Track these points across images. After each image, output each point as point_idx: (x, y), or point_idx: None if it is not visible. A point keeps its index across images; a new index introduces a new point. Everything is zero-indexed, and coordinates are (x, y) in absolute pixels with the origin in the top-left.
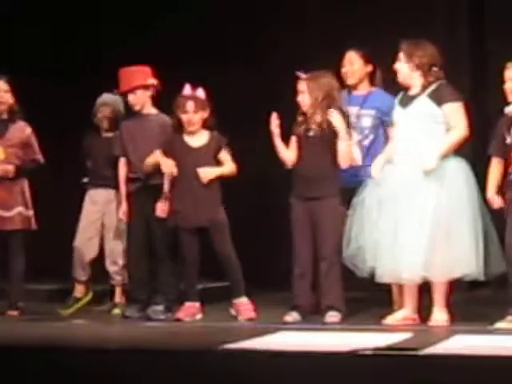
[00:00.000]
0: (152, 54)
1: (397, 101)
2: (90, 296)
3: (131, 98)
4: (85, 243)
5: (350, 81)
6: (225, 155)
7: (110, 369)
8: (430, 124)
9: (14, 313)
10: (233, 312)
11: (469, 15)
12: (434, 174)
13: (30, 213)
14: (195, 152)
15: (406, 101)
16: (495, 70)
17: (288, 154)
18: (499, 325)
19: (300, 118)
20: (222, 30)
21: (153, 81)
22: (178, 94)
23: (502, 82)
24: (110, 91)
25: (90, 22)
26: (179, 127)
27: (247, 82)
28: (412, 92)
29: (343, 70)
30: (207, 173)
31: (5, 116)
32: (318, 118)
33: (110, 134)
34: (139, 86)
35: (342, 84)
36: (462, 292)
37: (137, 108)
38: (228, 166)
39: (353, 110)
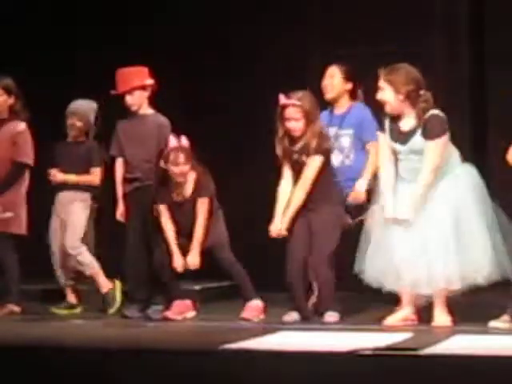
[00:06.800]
0: (151, 55)
1: (387, 133)
2: (78, 309)
3: (129, 98)
4: (54, 249)
5: (329, 95)
6: (200, 204)
7: (110, 369)
8: None
9: (5, 310)
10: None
11: (469, 26)
12: (445, 188)
13: (7, 215)
14: (184, 205)
15: (402, 137)
16: (494, 71)
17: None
18: (494, 324)
19: (286, 144)
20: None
21: (150, 81)
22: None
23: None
24: (102, 92)
25: (90, 22)
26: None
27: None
28: (405, 126)
29: (323, 83)
30: (194, 259)
31: (4, 116)
32: (313, 142)
33: (74, 140)
34: (137, 86)
35: (322, 97)
36: (462, 293)
37: (134, 108)
38: (198, 222)
39: (332, 131)
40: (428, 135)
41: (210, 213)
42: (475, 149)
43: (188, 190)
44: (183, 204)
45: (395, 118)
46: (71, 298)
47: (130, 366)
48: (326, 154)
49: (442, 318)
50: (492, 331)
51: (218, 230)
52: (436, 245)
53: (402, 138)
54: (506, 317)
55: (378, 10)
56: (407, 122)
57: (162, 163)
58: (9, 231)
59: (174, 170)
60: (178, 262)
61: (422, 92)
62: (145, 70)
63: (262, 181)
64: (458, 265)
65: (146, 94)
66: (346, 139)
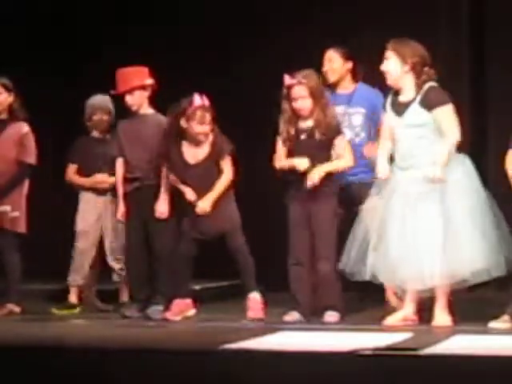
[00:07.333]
0: (151, 55)
1: (388, 105)
2: (78, 309)
3: (129, 98)
4: (87, 248)
5: (331, 79)
6: (224, 163)
7: (110, 369)
8: (426, 131)
9: (5, 311)
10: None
11: (469, 25)
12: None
13: (15, 214)
14: (196, 168)
15: (400, 108)
16: (494, 71)
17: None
18: (494, 324)
19: (291, 122)
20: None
21: (150, 81)
22: (175, 96)
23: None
24: (102, 92)
25: (90, 22)
26: (181, 136)
27: (247, 83)
28: (404, 98)
29: (323, 69)
30: (205, 204)
31: (4, 116)
32: (331, 120)
33: (102, 136)
34: (137, 86)
35: (325, 83)
36: (461, 292)
37: (134, 108)
38: (224, 177)
39: (339, 110)
40: (434, 103)
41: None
42: (474, 149)
43: (203, 152)
44: (194, 167)
45: (397, 92)
46: (73, 298)
47: (129, 365)
48: None
49: (442, 317)
50: (492, 331)
51: (229, 213)
52: (428, 241)
53: (399, 109)
54: (505, 317)
55: (378, 10)
56: (407, 95)
57: (182, 122)
58: (14, 230)
59: (198, 128)
60: (190, 195)
61: (426, 68)
62: (145, 69)
63: (262, 183)
64: (450, 261)
65: (146, 93)
66: (357, 117)
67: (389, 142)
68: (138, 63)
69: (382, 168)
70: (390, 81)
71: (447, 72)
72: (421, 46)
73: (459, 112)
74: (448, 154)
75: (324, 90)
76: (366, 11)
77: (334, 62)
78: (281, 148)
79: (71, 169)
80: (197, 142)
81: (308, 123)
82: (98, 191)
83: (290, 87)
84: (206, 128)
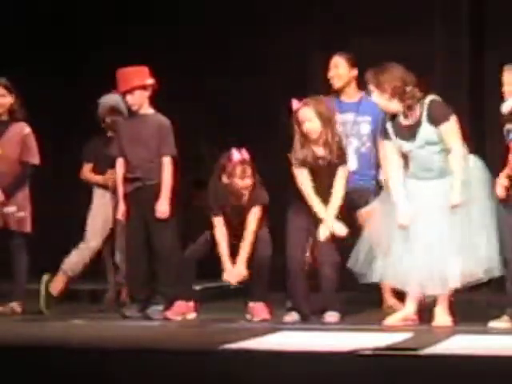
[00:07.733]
0: (151, 55)
1: (391, 132)
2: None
3: (129, 98)
4: (96, 243)
5: (337, 84)
6: (251, 215)
7: (109, 369)
8: (440, 146)
9: (7, 310)
10: (248, 316)
11: (469, 25)
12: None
13: (21, 214)
14: (237, 217)
15: (407, 132)
16: (493, 71)
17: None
18: (494, 324)
19: (304, 146)
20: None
21: (151, 81)
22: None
23: (500, 85)
24: (109, 92)
25: (90, 22)
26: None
27: (247, 86)
28: (407, 121)
29: (329, 74)
30: (240, 268)
31: (5, 117)
32: (332, 144)
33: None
34: (137, 86)
35: (330, 89)
36: (461, 293)
37: (135, 108)
38: (249, 231)
39: (349, 117)
40: (438, 119)
41: (260, 224)
42: (474, 150)
43: (243, 202)
44: (236, 216)
45: (394, 116)
46: (57, 287)
47: (130, 365)
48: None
49: (442, 317)
50: (492, 331)
51: (262, 233)
52: (443, 244)
53: (407, 134)
54: (505, 317)
55: (378, 10)
56: (406, 117)
57: (224, 178)
58: (20, 230)
59: (240, 183)
60: (229, 276)
61: (408, 89)
62: (145, 69)
63: (263, 181)
64: (467, 262)
65: (146, 93)
66: (365, 126)
67: (400, 176)
68: (138, 63)
69: (403, 213)
70: (381, 108)
71: (447, 72)
72: (399, 67)
73: (458, 112)
74: (462, 175)
75: (334, 116)
76: (366, 11)
77: (340, 68)
78: (304, 175)
79: (87, 167)
80: (239, 196)
81: (321, 149)
82: (112, 188)
83: (297, 111)
84: (248, 182)
